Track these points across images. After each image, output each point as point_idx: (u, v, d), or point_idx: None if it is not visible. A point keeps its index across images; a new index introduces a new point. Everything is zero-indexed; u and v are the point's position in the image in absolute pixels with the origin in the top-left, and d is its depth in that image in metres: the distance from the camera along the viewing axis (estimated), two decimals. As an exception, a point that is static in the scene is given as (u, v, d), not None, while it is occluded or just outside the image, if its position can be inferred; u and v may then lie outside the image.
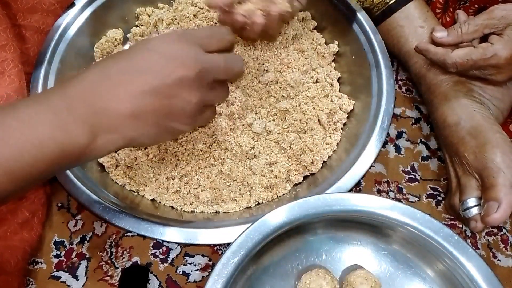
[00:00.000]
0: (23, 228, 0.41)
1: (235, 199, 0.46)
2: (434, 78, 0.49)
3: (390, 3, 0.51)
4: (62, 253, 0.45)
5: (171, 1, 0.56)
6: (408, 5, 0.51)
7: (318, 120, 0.49)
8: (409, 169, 0.51)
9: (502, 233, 0.48)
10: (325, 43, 0.54)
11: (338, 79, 0.52)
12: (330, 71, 0.52)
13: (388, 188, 0.50)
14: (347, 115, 0.50)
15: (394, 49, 0.53)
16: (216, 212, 0.45)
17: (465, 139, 0.44)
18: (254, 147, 0.47)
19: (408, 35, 0.51)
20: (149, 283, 0.44)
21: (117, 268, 0.44)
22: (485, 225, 0.41)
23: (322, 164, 0.48)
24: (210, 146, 0.46)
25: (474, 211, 0.42)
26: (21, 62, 0.45)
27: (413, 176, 0.51)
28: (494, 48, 0.43)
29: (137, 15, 0.56)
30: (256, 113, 0.48)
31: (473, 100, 0.46)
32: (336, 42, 0.53)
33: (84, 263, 0.45)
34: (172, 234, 0.41)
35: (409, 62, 0.52)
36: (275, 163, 0.46)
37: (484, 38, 0.45)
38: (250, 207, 0.46)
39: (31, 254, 0.44)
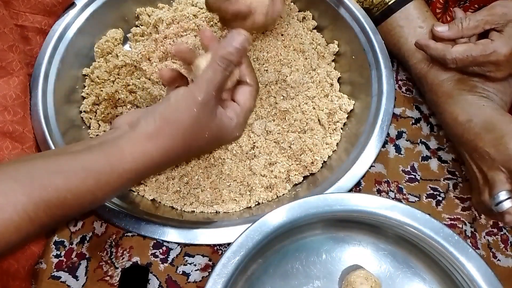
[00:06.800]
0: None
1: (235, 199, 0.46)
2: (435, 78, 0.49)
3: (390, 3, 0.51)
4: (62, 253, 0.45)
5: (171, 1, 0.56)
6: (407, 6, 0.51)
7: (318, 120, 0.49)
8: (409, 169, 0.51)
9: (502, 233, 0.48)
10: (325, 43, 0.54)
11: (338, 79, 0.52)
12: (330, 71, 0.52)
13: (388, 188, 0.50)
14: (347, 115, 0.50)
15: (394, 49, 0.53)
16: (216, 212, 0.45)
17: (481, 135, 0.43)
18: (254, 147, 0.47)
19: (407, 35, 0.51)
20: (149, 283, 0.44)
21: (117, 268, 0.44)
22: None
23: (322, 164, 0.48)
24: (210, 146, 0.46)
25: (507, 204, 0.40)
26: (25, 63, 0.45)
27: (413, 176, 0.51)
28: (494, 44, 0.42)
29: (137, 15, 0.56)
30: (256, 113, 0.48)
31: (479, 96, 0.46)
32: (336, 42, 0.53)
33: (84, 263, 0.45)
34: (172, 234, 0.41)
35: (409, 62, 0.52)
36: (275, 163, 0.46)
37: (482, 35, 0.45)
38: (250, 207, 0.46)
39: (38, 258, 0.44)
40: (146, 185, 0.46)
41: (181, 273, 0.45)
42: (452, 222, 0.49)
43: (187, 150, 0.36)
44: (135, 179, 0.35)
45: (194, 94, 0.35)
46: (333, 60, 0.54)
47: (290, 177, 0.47)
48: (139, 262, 0.45)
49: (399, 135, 0.53)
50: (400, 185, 0.50)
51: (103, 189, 0.32)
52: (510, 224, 0.41)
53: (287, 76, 0.48)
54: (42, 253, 0.43)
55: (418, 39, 0.47)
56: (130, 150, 0.33)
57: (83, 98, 0.51)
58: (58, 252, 0.45)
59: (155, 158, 0.34)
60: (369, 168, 0.44)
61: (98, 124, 0.50)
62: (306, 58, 0.50)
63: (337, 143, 0.49)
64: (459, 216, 0.49)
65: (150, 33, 0.53)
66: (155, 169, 0.36)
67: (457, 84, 0.47)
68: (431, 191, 0.50)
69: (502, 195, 0.41)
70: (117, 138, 0.34)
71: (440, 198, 0.50)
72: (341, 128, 0.50)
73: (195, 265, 0.45)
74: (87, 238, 0.46)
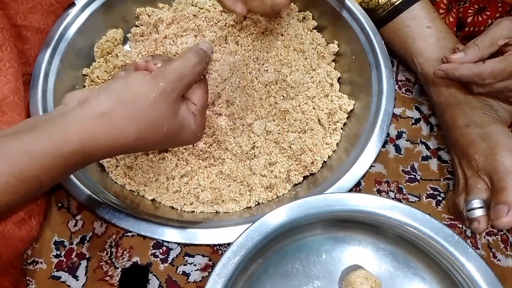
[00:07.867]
0: (19, 228, 0.41)
1: (235, 199, 0.46)
2: (444, 79, 0.49)
3: (396, 3, 0.51)
4: (62, 253, 0.45)
5: (171, 1, 0.56)
6: (414, 6, 0.51)
7: (318, 120, 0.49)
8: (409, 169, 0.51)
9: (502, 233, 0.48)
10: (325, 43, 0.54)
11: (338, 79, 0.52)
12: (330, 71, 0.52)
13: (388, 188, 0.50)
14: (347, 115, 0.50)
15: (401, 49, 0.52)
16: (216, 212, 0.45)
17: (476, 142, 0.43)
18: (254, 147, 0.47)
19: (415, 35, 0.51)
20: (149, 283, 0.44)
21: (117, 268, 0.44)
22: (496, 228, 0.41)
23: (322, 164, 0.48)
24: (210, 146, 0.46)
25: (478, 212, 0.41)
26: (18, 62, 0.44)
27: (413, 176, 0.51)
28: None
29: (137, 15, 0.56)
30: (256, 113, 0.48)
31: (483, 103, 0.46)
32: (336, 42, 0.53)
33: (84, 263, 0.45)
34: (172, 234, 0.41)
35: (417, 62, 0.51)
36: (275, 163, 0.46)
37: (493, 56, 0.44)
38: (250, 207, 0.46)
39: (22, 254, 0.43)
40: (146, 185, 0.46)
41: (181, 273, 0.45)
42: (452, 222, 0.49)
43: (140, 139, 0.33)
44: (82, 162, 0.32)
45: (157, 80, 0.33)
46: (333, 60, 0.54)
47: (290, 177, 0.47)
48: (139, 262, 0.45)
49: (399, 135, 0.53)
50: (400, 185, 0.50)
51: (50, 174, 0.30)
52: (476, 232, 0.43)
53: (287, 76, 0.48)
54: (24, 250, 0.42)
55: (439, 67, 0.45)
56: (75, 130, 0.31)
57: (83, 98, 0.51)
58: (58, 252, 0.45)
59: (103, 141, 0.32)
60: (369, 168, 0.44)
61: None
62: (306, 58, 0.50)
63: (337, 143, 0.49)
64: (459, 216, 0.49)
65: (150, 33, 0.53)
66: (105, 153, 0.33)
67: (464, 87, 0.47)
68: (431, 191, 0.50)
69: (476, 203, 0.42)
70: (63, 116, 0.31)
71: (440, 198, 0.50)
72: (341, 128, 0.50)
73: (195, 265, 0.45)
74: (87, 238, 0.46)
